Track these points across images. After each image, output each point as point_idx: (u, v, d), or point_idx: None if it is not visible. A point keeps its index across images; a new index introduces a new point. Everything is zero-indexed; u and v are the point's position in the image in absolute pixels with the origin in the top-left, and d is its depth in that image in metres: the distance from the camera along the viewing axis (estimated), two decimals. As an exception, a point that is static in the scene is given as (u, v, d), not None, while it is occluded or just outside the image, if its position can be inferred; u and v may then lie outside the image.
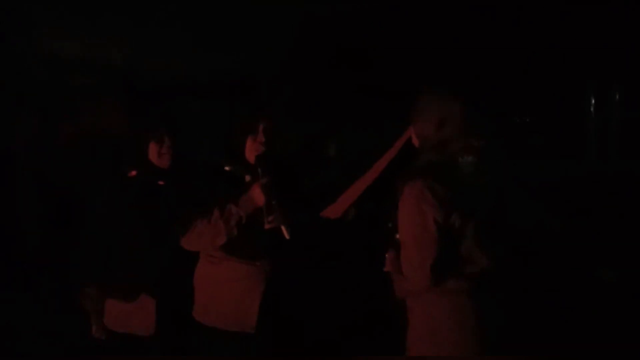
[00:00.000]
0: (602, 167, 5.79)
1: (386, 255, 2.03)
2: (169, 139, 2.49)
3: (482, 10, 4.84)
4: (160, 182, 2.49)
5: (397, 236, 1.98)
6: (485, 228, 1.95)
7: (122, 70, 4.85)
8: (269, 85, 4.72)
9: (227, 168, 2.36)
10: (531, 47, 5.16)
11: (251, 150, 2.34)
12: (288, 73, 4.91)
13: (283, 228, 2.22)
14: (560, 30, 5.06)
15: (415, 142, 2.07)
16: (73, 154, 4.32)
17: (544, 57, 5.27)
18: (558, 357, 2.98)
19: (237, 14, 4.79)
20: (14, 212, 4.09)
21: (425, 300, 1.96)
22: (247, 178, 2.30)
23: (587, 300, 4.05)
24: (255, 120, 2.33)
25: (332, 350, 2.97)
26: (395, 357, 2.08)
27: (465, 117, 1.96)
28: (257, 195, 2.23)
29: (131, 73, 4.81)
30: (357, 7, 4.64)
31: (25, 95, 4.74)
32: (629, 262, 4.53)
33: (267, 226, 2.21)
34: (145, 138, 2.48)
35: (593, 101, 5.85)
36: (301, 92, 4.94)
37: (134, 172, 2.49)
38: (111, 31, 4.85)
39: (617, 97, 5.81)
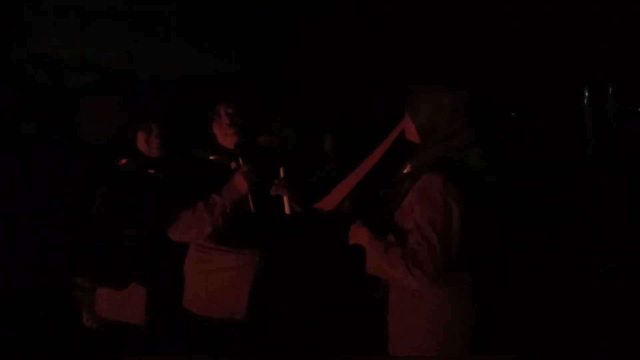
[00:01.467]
0: (602, 164, 5.78)
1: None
2: (157, 128, 2.48)
3: (483, 8, 4.85)
4: (151, 171, 2.49)
5: (399, 225, 1.98)
6: (490, 223, 1.95)
7: (118, 68, 4.89)
8: (267, 82, 4.74)
9: (211, 158, 2.37)
10: (531, 46, 5.16)
11: (222, 136, 2.35)
12: (286, 70, 4.93)
13: (285, 199, 2.23)
14: (560, 29, 5.06)
15: (412, 136, 2.06)
16: (65, 147, 4.35)
17: (543, 56, 5.27)
18: (558, 357, 2.99)
19: (235, 12, 4.81)
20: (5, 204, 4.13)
21: (427, 293, 1.94)
22: (233, 165, 2.29)
23: (587, 297, 4.04)
24: (215, 106, 2.34)
25: (323, 339, 2.98)
26: (395, 357, 2.07)
27: (475, 109, 1.95)
28: (239, 183, 2.23)
29: (127, 71, 4.84)
30: (355, 5, 4.65)
31: (24, 94, 4.77)
32: (630, 259, 4.53)
33: (273, 192, 2.24)
34: (133, 127, 2.48)
35: (593, 99, 5.85)
36: (299, 89, 4.95)
37: (123, 161, 2.50)
38: (109, 32, 4.88)
39: (617, 95, 5.80)
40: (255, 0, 4.71)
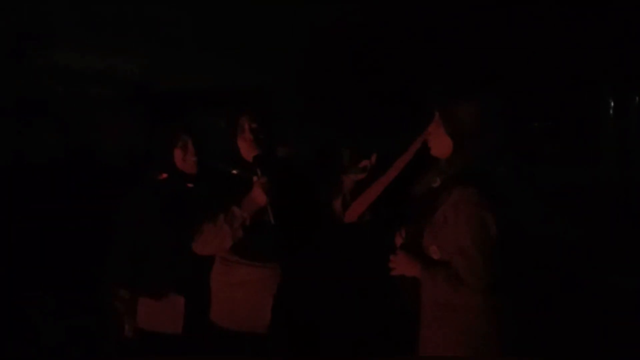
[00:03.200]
0: (619, 173, 5.75)
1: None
2: (193, 146, 2.58)
3: (498, 13, 4.85)
4: (189, 185, 2.58)
5: (432, 247, 1.99)
6: (518, 233, 1.96)
7: (143, 82, 4.97)
8: (283, 92, 4.77)
9: (234, 172, 2.40)
10: (550, 52, 5.15)
11: (245, 150, 2.38)
12: (302, 80, 4.95)
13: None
14: (578, 35, 5.05)
15: (437, 148, 2.05)
16: (103, 160, 4.41)
17: (560, 63, 5.26)
18: (558, 358, 2.99)
19: (251, 22, 4.85)
20: (47, 214, 4.19)
21: (461, 304, 1.95)
22: (255, 179, 2.30)
23: (603, 306, 4.03)
24: (238, 120, 2.37)
25: (346, 352, 2.97)
26: (397, 358, 2.08)
27: (504, 118, 1.97)
28: (258, 195, 2.25)
29: (152, 85, 4.92)
30: (373, 15, 4.67)
31: (46, 106, 4.86)
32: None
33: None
34: (170, 144, 2.57)
35: (611, 107, 5.82)
36: (316, 98, 4.98)
37: (164, 175, 2.59)
38: (135, 47, 4.96)
39: (636, 103, 5.77)
40: (271, 13, 4.76)
